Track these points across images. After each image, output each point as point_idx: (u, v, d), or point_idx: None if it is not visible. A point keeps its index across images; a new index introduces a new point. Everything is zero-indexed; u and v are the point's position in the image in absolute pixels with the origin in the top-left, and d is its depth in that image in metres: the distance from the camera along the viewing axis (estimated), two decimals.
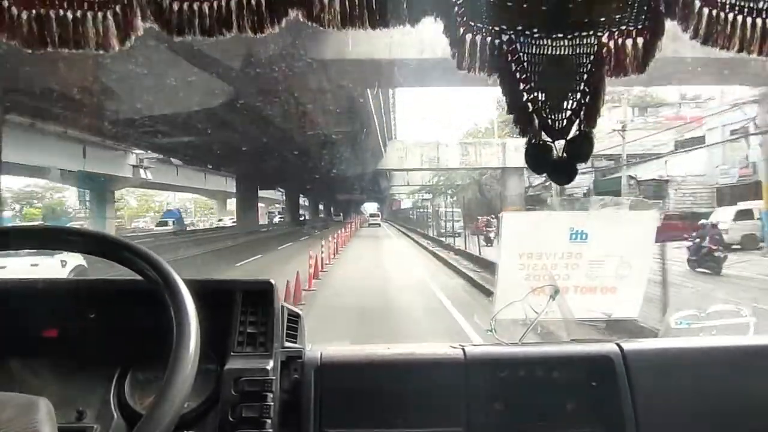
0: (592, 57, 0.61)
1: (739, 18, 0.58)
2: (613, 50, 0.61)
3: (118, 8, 0.57)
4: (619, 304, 1.62)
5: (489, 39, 0.60)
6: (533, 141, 0.64)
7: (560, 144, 0.64)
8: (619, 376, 0.99)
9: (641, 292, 1.61)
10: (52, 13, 0.57)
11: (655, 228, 1.64)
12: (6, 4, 0.56)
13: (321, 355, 1.01)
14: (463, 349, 1.04)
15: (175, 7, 0.57)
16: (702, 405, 0.98)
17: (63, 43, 0.57)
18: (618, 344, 1.04)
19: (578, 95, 0.63)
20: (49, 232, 0.77)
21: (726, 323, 1.46)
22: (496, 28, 0.60)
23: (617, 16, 0.60)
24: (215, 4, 0.58)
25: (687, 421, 0.97)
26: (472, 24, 0.59)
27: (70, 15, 0.57)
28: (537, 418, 0.98)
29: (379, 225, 40.74)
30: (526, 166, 0.68)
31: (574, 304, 1.48)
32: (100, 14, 0.57)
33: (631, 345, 1.05)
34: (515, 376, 1.01)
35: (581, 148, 0.64)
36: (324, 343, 1.10)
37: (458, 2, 0.59)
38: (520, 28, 0.60)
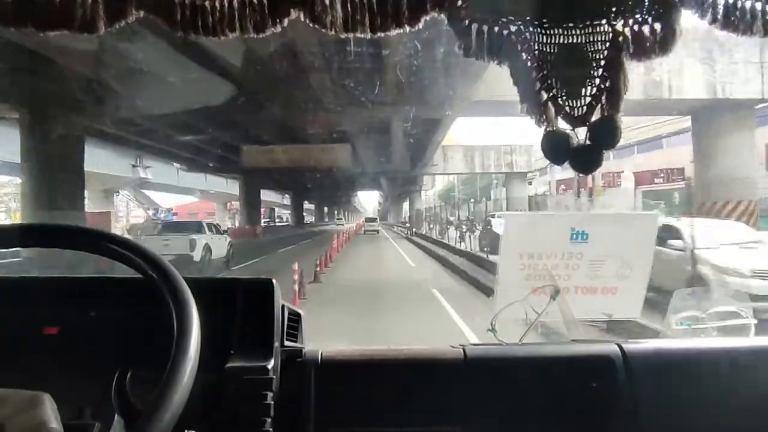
0: (607, 43, 0.60)
1: (758, 5, 0.57)
2: (629, 35, 0.60)
3: None
4: (619, 305, 1.62)
5: (496, 29, 0.59)
6: (549, 129, 0.62)
7: (581, 131, 0.62)
8: (620, 377, 0.99)
9: (642, 292, 1.60)
10: None
11: (656, 229, 1.64)
12: None
13: (321, 354, 1.01)
14: (464, 349, 1.04)
15: (176, 0, 0.57)
16: (703, 406, 0.98)
17: (48, 24, 0.57)
18: (619, 345, 1.04)
19: (597, 80, 0.61)
20: (39, 230, 0.77)
21: (727, 324, 1.46)
22: (503, 19, 0.59)
23: (628, 4, 0.59)
24: (218, 3, 0.58)
25: (688, 421, 0.97)
26: (478, 15, 0.59)
27: None
28: (537, 418, 0.98)
29: (377, 231, 35.98)
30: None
31: (575, 304, 1.48)
32: None
33: (631, 345, 1.04)
34: (515, 376, 1.01)
35: (607, 132, 0.61)
36: (324, 342, 1.10)
37: None
38: (528, 18, 0.59)
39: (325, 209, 77.46)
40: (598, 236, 1.58)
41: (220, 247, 13.65)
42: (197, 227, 13.46)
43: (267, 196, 51.45)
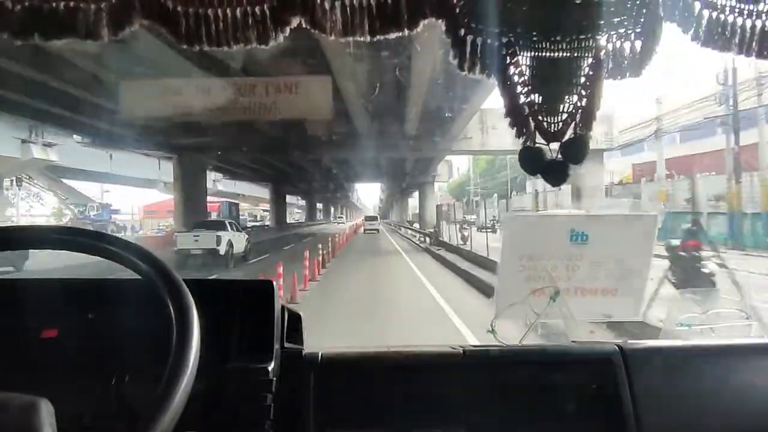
0: (590, 60, 0.62)
1: (739, 20, 0.58)
2: (611, 53, 0.62)
3: (112, 2, 0.57)
4: (619, 306, 1.62)
5: (489, 41, 0.60)
6: (527, 144, 0.65)
7: (554, 146, 0.65)
8: (620, 378, 0.99)
9: (642, 293, 1.61)
10: (44, 5, 0.57)
11: (656, 229, 1.64)
12: None
13: (321, 355, 1.01)
14: (463, 350, 1.04)
15: (180, 10, 0.58)
16: (703, 406, 0.98)
17: (53, 33, 0.58)
18: (618, 345, 1.04)
19: (575, 98, 0.63)
20: (36, 231, 0.77)
21: (727, 325, 1.46)
22: (496, 31, 0.60)
23: (616, 20, 0.60)
24: (221, 13, 0.58)
25: (688, 422, 0.97)
26: (474, 26, 0.60)
27: (62, 5, 0.57)
28: (537, 419, 0.98)
29: (377, 231, 33.28)
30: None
31: (575, 305, 1.48)
32: (93, 6, 0.57)
33: (631, 346, 1.04)
34: (515, 377, 1.01)
35: (575, 150, 0.65)
36: (324, 343, 1.10)
37: (460, 4, 0.59)
38: (519, 30, 0.60)
39: (319, 206, 66.58)
40: (598, 237, 1.58)
41: (240, 243, 15.83)
42: (222, 225, 15.55)
43: (242, 189, 40.87)
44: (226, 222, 16.25)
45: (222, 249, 14.20)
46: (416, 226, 29.80)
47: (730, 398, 0.99)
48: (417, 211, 35.51)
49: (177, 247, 14.20)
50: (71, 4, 0.57)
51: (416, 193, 35.50)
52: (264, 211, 49.64)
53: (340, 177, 37.46)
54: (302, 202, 61.14)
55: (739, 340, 1.26)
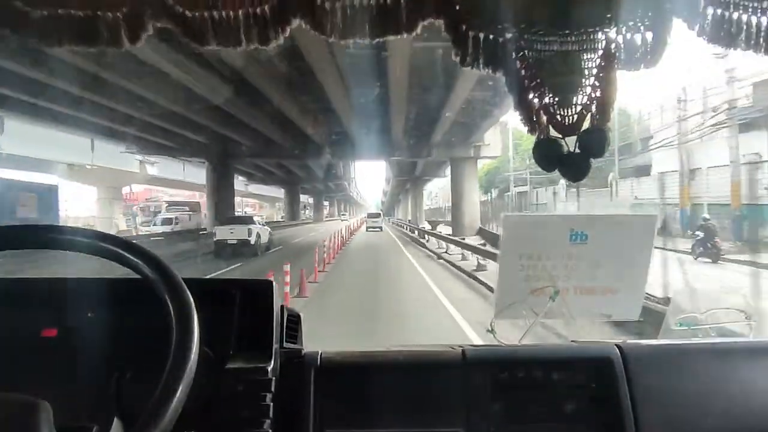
0: (600, 52, 0.61)
1: (744, 17, 0.58)
2: (622, 45, 0.61)
3: (126, 9, 0.58)
4: (618, 306, 1.62)
5: (492, 36, 0.60)
6: (542, 137, 0.64)
7: (571, 139, 0.64)
8: (619, 378, 0.99)
9: (641, 293, 1.60)
10: (62, 12, 0.58)
11: (655, 229, 1.64)
12: (19, 2, 0.57)
13: (320, 355, 1.01)
14: (463, 350, 1.04)
15: (188, 14, 0.59)
16: (702, 406, 0.98)
17: (75, 40, 0.59)
18: (618, 345, 1.04)
19: (588, 89, 0.63)
20: (33, 231, 0.77)
21: (726, 325, 1.46)
22: (499, 26, 0.60)
23: (623, 13, 0.60)
24: (224, 15, 0.59)
25: (687, 422, 0.97)
26: (475, 23, 0.60)
27: (81, 14, 0.59)
28: (536, 419, 0.98)
29: (380, 228, 31.80)
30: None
31: (574, 305, 1.48)
32: (110, 13, 0.58)
33: (630, 346, 1.05)
34: (514, 377, 1.01)
35: (595, 142, 0.63)
36: (324, 343, 1.10)
37: (461, 1, 0.59)
38: (523, 26, 0.60)
39: (309, 201, 55.11)
40: (598, 237, 1.57)
41: (265, 235, 19.33)
42: (251, 221, 19.25)
43: (201, 178, 25.24)
44: (254, 218, 20.32)
45: (252, 240, 17.59)
46: (441, 230, 20.09)
47: (730, 398, 0.99)
48: (438, 206, 24.42)
49: (216, 238, 17.63)
50: (89, 13, 0.58)
51: (430, 184, 25.57)
52: (189, 209, 31.68)
53: (321, 143, 22.56)
54: (303, 198, 47.55)
55: (738, 339, 1.26)
